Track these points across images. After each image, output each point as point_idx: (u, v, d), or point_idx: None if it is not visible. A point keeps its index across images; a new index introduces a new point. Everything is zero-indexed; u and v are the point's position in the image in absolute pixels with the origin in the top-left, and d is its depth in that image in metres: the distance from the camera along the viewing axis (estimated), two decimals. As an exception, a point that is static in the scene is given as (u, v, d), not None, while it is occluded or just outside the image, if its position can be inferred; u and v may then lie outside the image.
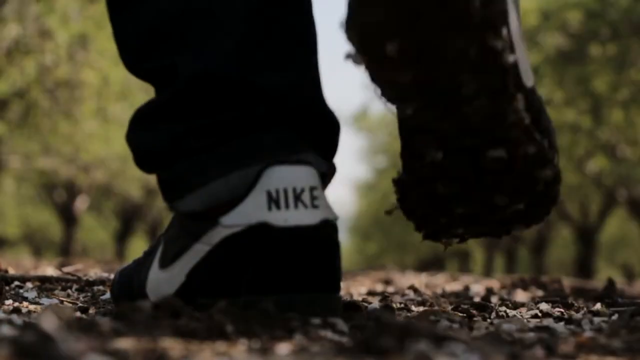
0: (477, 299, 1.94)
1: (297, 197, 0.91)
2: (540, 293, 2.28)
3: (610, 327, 1.13)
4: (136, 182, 12.27)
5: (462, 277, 3.59)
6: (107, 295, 1.38)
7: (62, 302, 1.37)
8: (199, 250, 0.95)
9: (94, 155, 9.19)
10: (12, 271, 1.78)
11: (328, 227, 0.95)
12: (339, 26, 0.88)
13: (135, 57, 1.04)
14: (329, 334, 0.97)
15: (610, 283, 2.04)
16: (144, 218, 16.29)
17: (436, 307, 1.47)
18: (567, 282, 3.33)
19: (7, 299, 1.36)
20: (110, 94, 7.26)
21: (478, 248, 20.07)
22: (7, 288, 1.50)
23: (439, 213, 1.03)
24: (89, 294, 1.46)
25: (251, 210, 0.91)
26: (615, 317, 1.33)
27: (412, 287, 1.98)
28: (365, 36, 0.88)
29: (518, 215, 1.06)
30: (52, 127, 7.46)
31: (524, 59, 0.97)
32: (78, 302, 1.35)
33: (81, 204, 13.01)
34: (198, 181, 0.96)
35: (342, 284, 1.22)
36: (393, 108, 0.96)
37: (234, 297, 0.94)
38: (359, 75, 33.87)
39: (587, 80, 7.76)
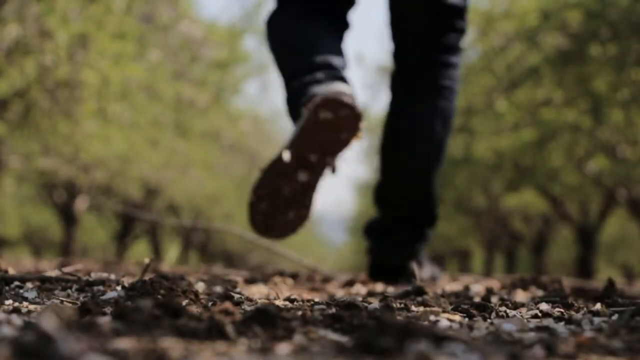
0: (477, 299, 1.94)
1: None
2: (540, 293, 2.28)
3: (610, 327, 1.13)
4: (136, 182, 12.26)
5: (462, 277, 3.59)
6: (107, 295, 1.38)
7: (62, 302, 1.37)
8: None
9: (94, 155, 9.19)
10: (12, 271, 1.78)
11: None
12: None
13: None
14: (329, 334, 0.97)
15: (610, 283, 2.03)
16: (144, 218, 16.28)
17: (436, 307, 1.47)
18: (567, 282, 3.33)
19: (7, 299, 1.36)
20: (110, 94, 7.26)
21: (478, 248, 20.05)
22: (7, 288, 1.49)
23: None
24: (89, 294, 1.46)
25: None
26: (615, 317, 1.33)
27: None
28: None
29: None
30: (52, 127, 7.46)
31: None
32: (78, 302, 1.35)
33: (81, 204, 13.00)
34: None
35: (343, 285, 1.82)
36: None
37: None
38: (358, 75, 33.84)
39: (587, 80, 7.75)
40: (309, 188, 2.33)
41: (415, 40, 2.55)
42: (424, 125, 2.54)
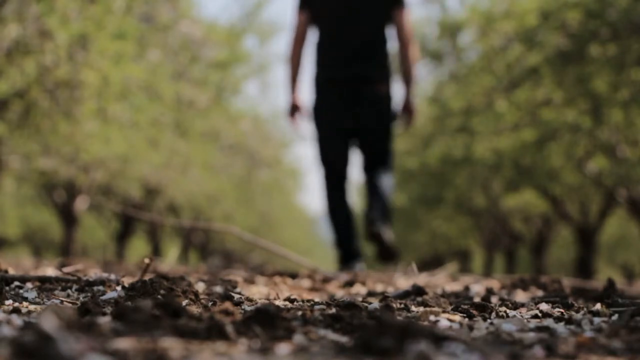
0: (477, 299, 1.94)
1: None
2: (540, 293, 2.28)
3: (610, 327, 1.13)
4: (136, 182, 12.26)
5: (462, 277, 3.59)
6: (107, 295, 1.38)
7: (62, 302, 1.37)
8: None
9: (94, 155, 9.19)
10: (12, 271, 1.78)
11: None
12: None
13: None
14: (329, 334, 0.97)
15: (610, 283, 2.04)
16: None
17: (436, 307, 1.47)
18: (567, 282, 3.33)
19: (7, 299, 1.36)
20: (110, 94, 7.25)
21: (478, 248, 20.05)
22: (7, 288, 1.49)
23: None
24: (89, 294, 1.46)
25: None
26: (615, 317, 1.33)
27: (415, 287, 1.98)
28: None
29: None
30: (52, 128, 7.46)
31: None
32: (78, 302, 1.35)
33: (81, 204, 13.00)
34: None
35: (344, 286, 1.69)
36: None
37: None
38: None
39: (587, 80, 7.75)
40: None
41: (368, 164, 5.22)
42: (375, 194, 5.09)
